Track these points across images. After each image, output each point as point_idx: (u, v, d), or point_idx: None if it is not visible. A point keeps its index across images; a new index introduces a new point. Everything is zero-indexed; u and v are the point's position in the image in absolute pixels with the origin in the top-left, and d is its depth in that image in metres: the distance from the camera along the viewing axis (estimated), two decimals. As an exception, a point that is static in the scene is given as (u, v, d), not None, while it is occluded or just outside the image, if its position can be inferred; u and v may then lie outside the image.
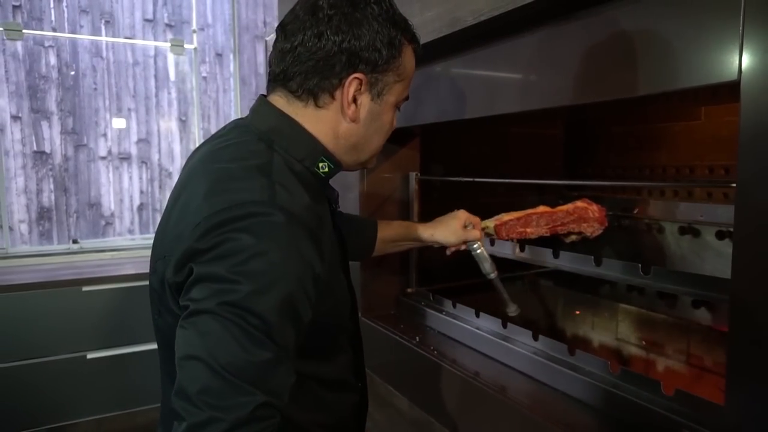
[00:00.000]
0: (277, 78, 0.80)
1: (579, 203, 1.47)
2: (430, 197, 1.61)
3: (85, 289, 2.26)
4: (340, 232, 0.86)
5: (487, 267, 1.20)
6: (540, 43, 0.94)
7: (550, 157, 1.82)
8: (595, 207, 1.47)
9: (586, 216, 1.46)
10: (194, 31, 3.51)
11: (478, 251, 1.20)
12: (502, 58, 1.02)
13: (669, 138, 1.50)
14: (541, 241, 1.35)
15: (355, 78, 0.77)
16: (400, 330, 1.43)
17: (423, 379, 1.29)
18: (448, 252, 1.22)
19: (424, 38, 1.10)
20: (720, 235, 1.30)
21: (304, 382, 0.79)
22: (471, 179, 1.39)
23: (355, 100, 0.79)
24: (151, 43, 3.92)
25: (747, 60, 0.64)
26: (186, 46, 3.30)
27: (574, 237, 1.50)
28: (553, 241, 1.48)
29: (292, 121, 0.79)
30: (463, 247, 1.20)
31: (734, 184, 0.68)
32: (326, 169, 0.81)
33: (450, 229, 1.19)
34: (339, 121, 0.80)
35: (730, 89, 0.68)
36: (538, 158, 1.81)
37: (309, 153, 0.79)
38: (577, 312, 1.69)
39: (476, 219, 1.23)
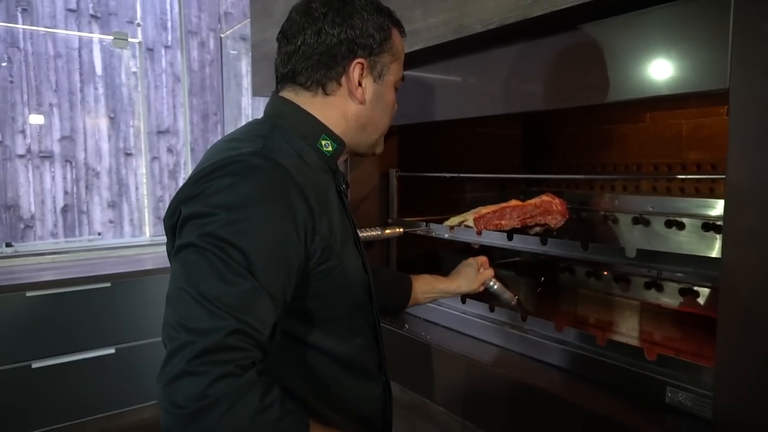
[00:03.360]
0: (285, 77, 0.89)
1: (544, 197, 1.62)
2: (405, 193, 1.68)
3: (29, 294, 2.11)
4: (349, 213, 0.92)
5: (507, 297, 1.30)
6: (541, 51, 1.04)
7: (510, 156, 1.96)
8: (557, 201, 1.63)
9: (550, 209, 1.61)
10: (138, 25, 3.36)
11: (495, 287, 1.30)
12: (500, 65, 1.12)
13: (618, 138, 1.69)
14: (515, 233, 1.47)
15: (358, 63, 0.86)
16: (387, 319, 1.49)
17: (414, 363, 1.36)
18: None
19: (426, 43, 1.18)
20: (668, 224, 1.49)
21: (318, 356, 0.84)
22: (453, 175, 1.49)
23: (360, 84, 0.88)
24: (86, 35, 3.68)
25: (735, 71, 0.78)
26: (130, 39, 3.14)
27: (538, 229, 1.65)
28: (521, 233, 1.61)
29: (297, 106, 0.87)
30: (482, 288, 1.31)
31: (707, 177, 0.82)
32: (330, 148, 0.88)
33: (470, 279, 1.29)
34: (348, 104, 0.88)
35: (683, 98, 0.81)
36: (499, 157, 1.94)
37: (311, 132, 0.86)
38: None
39: (483, 259, 1.33)
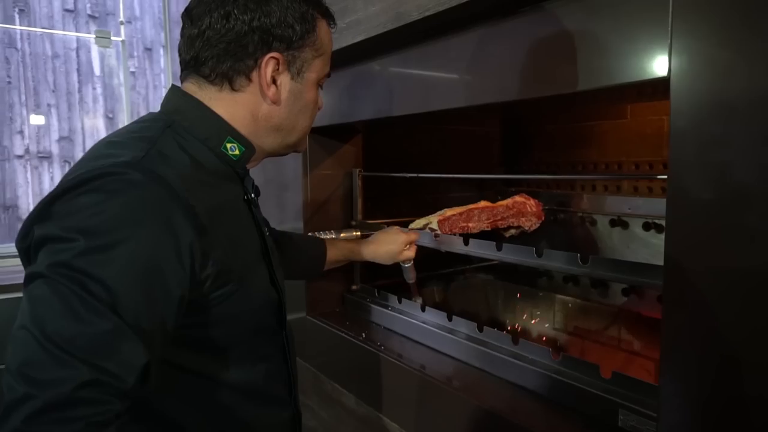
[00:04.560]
0: (188, 65, 0.77)
1: (518, 198, 1.52)
2: (374, 194, 1.61)
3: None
4: (258, 224, 0.83)
5: (410, 276, 1.39)
6: (480, 41, 0.96)
7: (488, 155, 1.87)
8: (532, 202, 1.53)
9: (524, 210, 1.52)
10: (122, 23, 3.34)
11: (407, 266, 1.37)
12: (446, 55, 1.04)
13: (598, 135, 1.58)
14: (483, 236, 1.39)
15: (272, 58, 0.75)
16: (346, 327, 1.42)
17: (370, 375, 1.28)
18: None
19: (368, 33, 1.10)
20: (646, 227, 1.38)
21: (215, 387, 0.75)
22: (413, 175, 1.41)
23: (274, 81, 0.77)
24: (74, 35, 3.68)
25: (676, 57, 0.69)
26: (113, 38, 3.13)
27: (513, 231, 1.56)
28: (494, 236, 1.52)
29: (198, 102, 0.76)
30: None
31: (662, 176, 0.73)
32: (236, 151, 0.77)
33: (389, 253, 1.31)
34: (258, 103, 0.78)
35: (654, 87, 0.72)
36: (477, 156, 1.85)
37: (214, 133, 0.75)
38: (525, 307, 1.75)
39: (413, 237, 1.33)
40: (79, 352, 0.53)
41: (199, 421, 0.74)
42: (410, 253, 1.33)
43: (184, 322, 0.66)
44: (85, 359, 0.53)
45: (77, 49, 3.70)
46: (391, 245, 1.30)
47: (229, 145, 0.76)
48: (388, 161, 1.63)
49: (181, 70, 0.80)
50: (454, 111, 1.09)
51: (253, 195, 0.84)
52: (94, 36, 3.01)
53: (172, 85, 0.80)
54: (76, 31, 3.73)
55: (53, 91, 3.65)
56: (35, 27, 3.67)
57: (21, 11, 3.51)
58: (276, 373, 0.84)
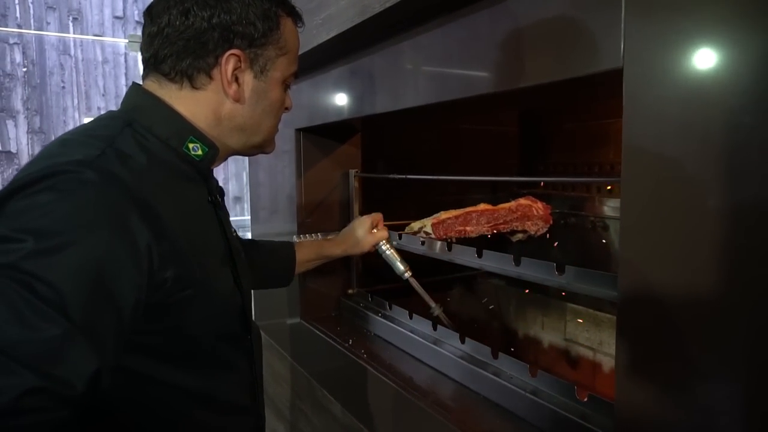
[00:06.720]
0: (149, 63, 0.76)
1: (522, 201, 1.43)
2: (379, 196, 1.55)
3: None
4: (222, 225, 0.80)
5: (400, 267, 1.21)
6: (440, 34, 0.90)
7: (505, 154, 1.77)
8: (539, 205, 1.43)
9: (530, 214, 1.42)
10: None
11: (387, 253, 1.22)
12: (412, 49, 0.98)
13: (616, 134, 1.46)
14: (486, 241, 1.32)
15: (232, 54, 0.74)
16: (336, 333, 1.38)
17: (353, 385, 1.24)
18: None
19: (340, 27, 1.06)
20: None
21: (176, 396, 0.72)
22: (404, 176, 1.34)
23: (237, 79, 0.76)
24: (109, 40, 3.83)
25: (629, 46, 0.60)
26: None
27: (520, 236, 1.46)
28: (502, 241, 1.44)
29: (157, 100, 0.74)
30: (374, 249, 1.23)
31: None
32: (199, 152, 0.76)
33: (358, 240, 1.21)
34: (221, 101, 0.76)
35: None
36: (494, 155, 1.76)
37: (175, 132, 0.74)
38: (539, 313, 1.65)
39: (378, 217, 1.24)
40: (23, 358, 0.51)
41: (157, 430, 0.72)
42: (381, 233, 1.22)
43: (143, 328, 0.64)
44: (30, 365, 0.51)
45: (125, 54, 3.85)
46: (357, 229, 1.22)
47: (191, 145, 0.75)
48: (394, 162, 1.57)
49: (143, 69, 0.79)
50: (452, 106, 1.02)
51: (217, 196, 0.82)
52: (127, 41, 3.12)
53: (133, 83, 0.79)
54: (125, 36, 3.88)
55: (103, 95, 3.82)
56: (87, 34, 3.85)
57: (75, 19, 3.69)
58: (240, 380, 0.82)
